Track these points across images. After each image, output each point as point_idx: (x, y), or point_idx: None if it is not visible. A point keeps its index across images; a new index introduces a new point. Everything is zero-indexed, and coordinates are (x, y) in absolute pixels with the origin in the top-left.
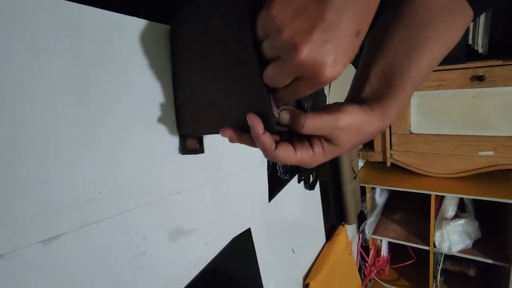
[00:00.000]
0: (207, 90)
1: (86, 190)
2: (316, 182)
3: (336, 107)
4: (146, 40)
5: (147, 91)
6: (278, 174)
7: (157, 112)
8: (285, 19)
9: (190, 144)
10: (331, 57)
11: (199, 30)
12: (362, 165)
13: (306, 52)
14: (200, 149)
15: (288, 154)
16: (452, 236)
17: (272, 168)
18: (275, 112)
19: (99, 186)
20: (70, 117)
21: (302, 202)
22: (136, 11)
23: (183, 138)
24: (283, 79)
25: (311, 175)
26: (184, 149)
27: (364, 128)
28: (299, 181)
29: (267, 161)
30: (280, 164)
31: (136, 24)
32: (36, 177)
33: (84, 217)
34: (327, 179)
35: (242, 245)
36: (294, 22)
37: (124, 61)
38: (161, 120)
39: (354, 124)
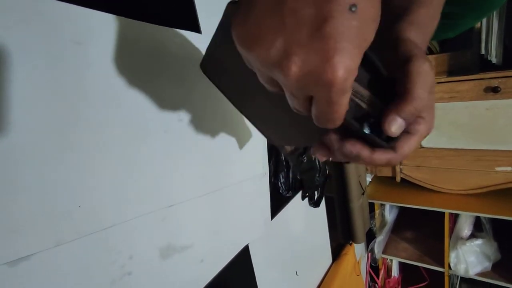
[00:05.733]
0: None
1: (62, 203)
2: (321, 199)
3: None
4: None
5: (131, 93)
6: (280, 191)
7: (147, 112)
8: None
9: None
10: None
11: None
12: (370, 180)
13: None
14: None
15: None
16: (469, 258)
17: (274, 185)
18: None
19: (78, 199)
20: (42, 117)
21: (307, 219)
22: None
23: None
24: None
25: (315, 192)
26: None
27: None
28: (303, 198)
29: (269, 174)
30: (282, 181)
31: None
32: (1, 188)
33: (59, 234)
34: (333, 195)
35: (239, 265)
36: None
37: (108, 60)
38: (152, 119)
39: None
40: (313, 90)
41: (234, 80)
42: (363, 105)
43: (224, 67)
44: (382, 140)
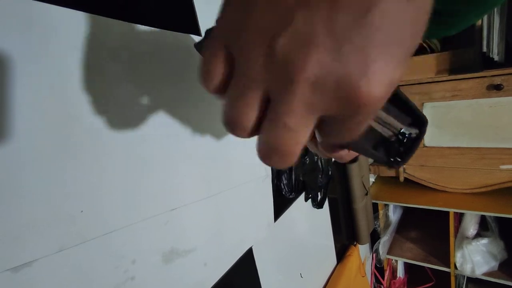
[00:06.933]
0: None
1: (65, 208)
2: (325, 200)
3: None
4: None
5: (133, 95)
6: (283, 193)
7: (148, 115)
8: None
9: None
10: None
11: None
12: (374, 180)
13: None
14: None
15: None
16: (475, 257)
17: (277, 187)
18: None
19: (80, 203)
20: (43, 122)
21: (310, 220)
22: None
23: None
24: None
25: (319, 193)
26: None
27: None
28: (306, 200)
29: (271, 175)
30: (285, 182)
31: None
32: (2, 194)
33: (62, 239)
34: (337, 196)
35: (243, 268)
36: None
37: (108, 64)
38: (153, 122)
39: None
40: (334, 107)
41: None
42: (384, 129)
43: None
44: (399, 159)
